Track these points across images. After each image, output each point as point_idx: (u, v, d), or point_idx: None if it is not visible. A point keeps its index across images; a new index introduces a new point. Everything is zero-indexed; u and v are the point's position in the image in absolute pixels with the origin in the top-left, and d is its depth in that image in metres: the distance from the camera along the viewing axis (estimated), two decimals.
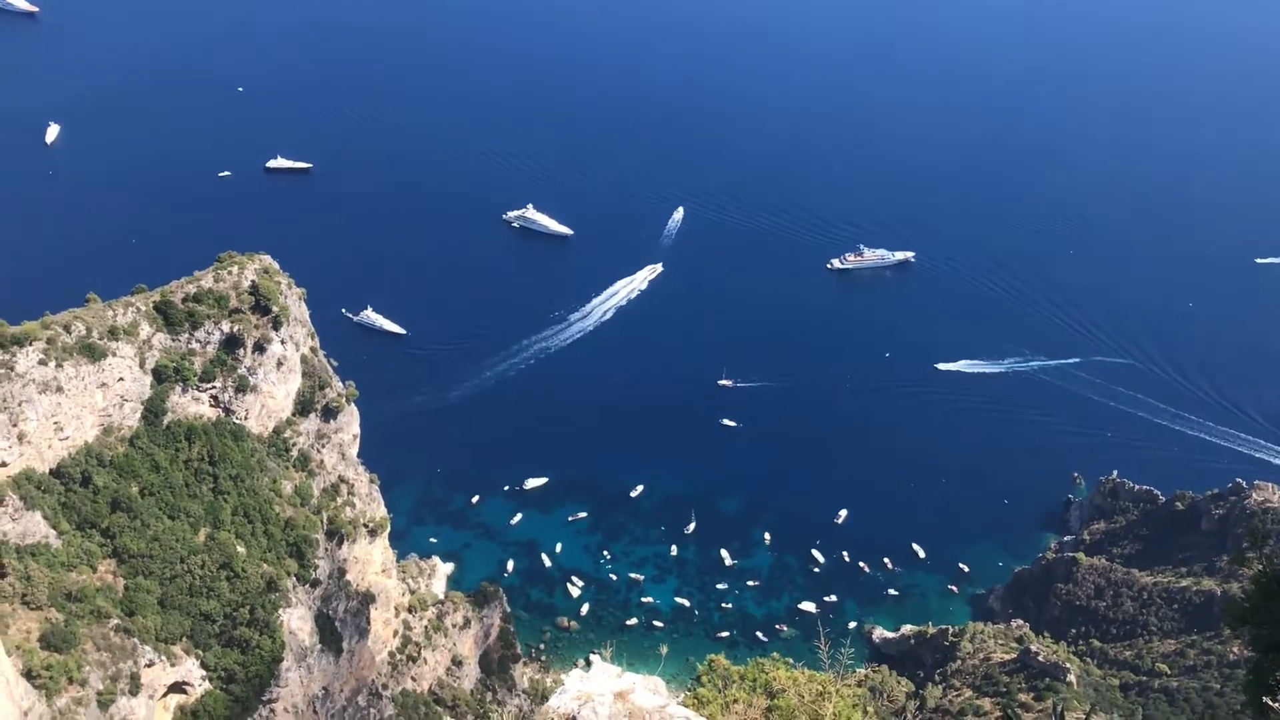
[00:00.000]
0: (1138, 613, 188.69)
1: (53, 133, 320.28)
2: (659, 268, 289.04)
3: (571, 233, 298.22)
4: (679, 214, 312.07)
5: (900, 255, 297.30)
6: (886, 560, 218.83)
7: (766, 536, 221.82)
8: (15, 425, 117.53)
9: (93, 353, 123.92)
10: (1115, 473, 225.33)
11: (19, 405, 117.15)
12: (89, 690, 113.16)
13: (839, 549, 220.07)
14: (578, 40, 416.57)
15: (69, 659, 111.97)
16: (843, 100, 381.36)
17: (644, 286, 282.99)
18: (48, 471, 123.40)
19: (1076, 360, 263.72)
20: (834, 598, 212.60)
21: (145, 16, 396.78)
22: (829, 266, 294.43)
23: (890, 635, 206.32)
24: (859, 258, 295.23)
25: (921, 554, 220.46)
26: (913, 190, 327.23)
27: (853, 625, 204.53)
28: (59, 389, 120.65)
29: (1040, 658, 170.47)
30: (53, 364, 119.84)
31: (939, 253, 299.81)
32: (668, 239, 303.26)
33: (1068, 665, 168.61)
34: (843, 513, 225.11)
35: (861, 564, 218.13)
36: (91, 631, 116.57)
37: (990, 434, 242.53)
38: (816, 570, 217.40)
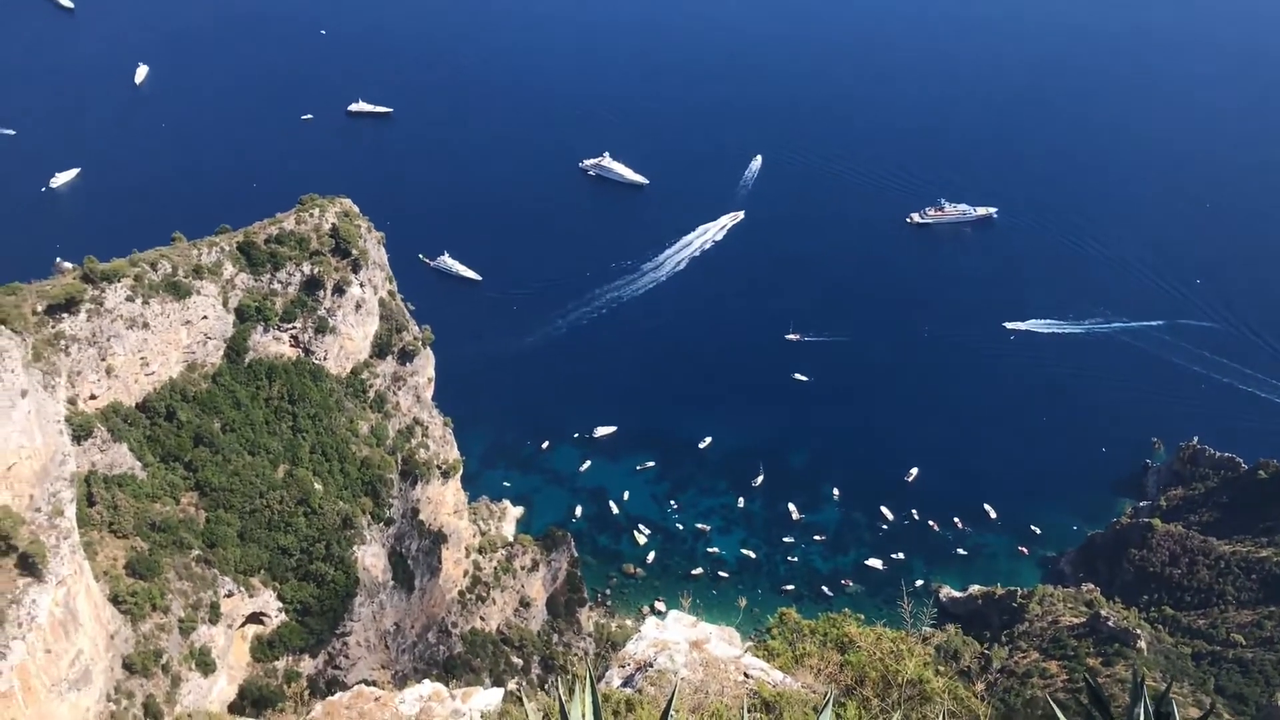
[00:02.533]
0: (1214, 581, 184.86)
1: (142, 73, 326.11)
2: (740, 215, 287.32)
3: (647, 182, 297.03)
4: (757, 162, 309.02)
5: (982, 210, 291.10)
6: (956, 519, 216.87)
7: (835, 492, 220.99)
8: (104, 359, 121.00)
9: (178, 290, 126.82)
10: (1196, 439, 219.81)
11: (107, 340, 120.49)
12: (171, 617, 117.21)
13: (908, 507, 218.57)
14: None
15: (153, 586, 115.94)
16: (930, 52, 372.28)
17: (719, 237, 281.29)
18: (134, 405, 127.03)
19: (1160, 323, 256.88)
20: (901, 555, 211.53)
21: None
22: (908, 220, 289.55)
23: (958, 595, 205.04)
24: (939, 212, 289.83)
25: (992, 514, 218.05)
26: (1001, 144, 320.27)
27: (920, 583, 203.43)
28: (145, 325, 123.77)
29: (1110, 623, 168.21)
30: (140, 301, 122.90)
31: (1024, 209, 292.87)
32: (744, 188, 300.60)
33: (1138, 631, 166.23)
34: (913, 471, 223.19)
35: (931, 523, 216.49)
36: (174, 561, 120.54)
37: (1068, 396, 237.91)
38: (885, 527, 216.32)
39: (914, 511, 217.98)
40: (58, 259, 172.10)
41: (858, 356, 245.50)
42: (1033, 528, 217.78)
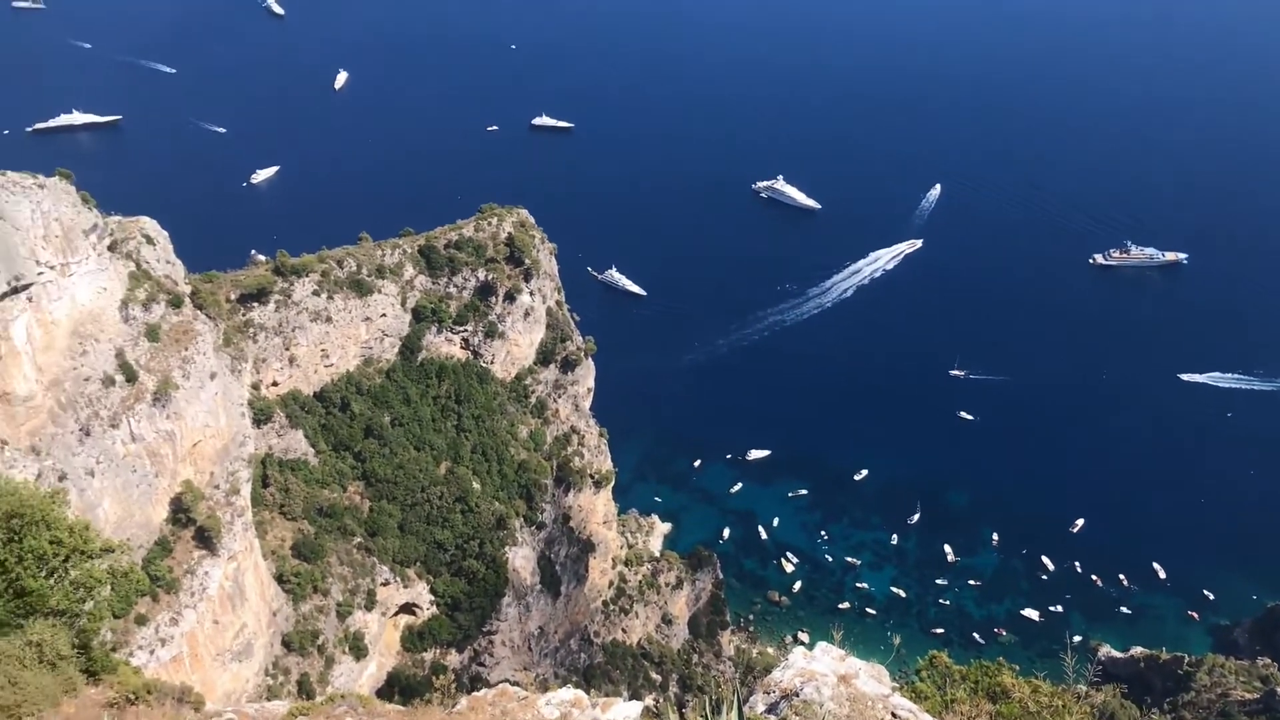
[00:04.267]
0: None
1: (341, 79, 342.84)
2: (918, 243, 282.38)
3: (819, 207, 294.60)
4: (935, 190, 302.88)
5: (1170, 256, 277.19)
6: (1121, 576, 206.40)
7: (994, 537, 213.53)
8: (288, 349, 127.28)
9: (360, 288, 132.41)
10: None
11: (292, 331, 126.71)
12: (330, 600, 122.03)
13: (1071, 558, 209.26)
14: (839, 15, 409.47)
15: (315, 569, 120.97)
16: (1132, 88, 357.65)
17: (890, 265, 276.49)
18: (312, 394, 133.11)
19: None
20: (1060, 608, 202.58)
21: None
22: (1091, 261, 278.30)
23: (1118, 655, 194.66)
24: (1124, 255, 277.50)
25: (1161, 574, 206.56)
26: (1198, 188, 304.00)
27: (1078, 639, 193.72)
28: (328, 319, 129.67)
29: None
30: (325, 295, 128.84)
31: (1216, 258, 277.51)
32: (920, 217, 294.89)
33: None
34: (1079, 521, 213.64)
35: (1094, 577, 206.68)
36: (337, 546, 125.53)
37: (1251, 455, 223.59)
38: (1044, 577, 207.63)
39: (1076, 564, 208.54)
40: (252, 251, 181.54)
41: (1027, 398, 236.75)
42: (1205, 592, 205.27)
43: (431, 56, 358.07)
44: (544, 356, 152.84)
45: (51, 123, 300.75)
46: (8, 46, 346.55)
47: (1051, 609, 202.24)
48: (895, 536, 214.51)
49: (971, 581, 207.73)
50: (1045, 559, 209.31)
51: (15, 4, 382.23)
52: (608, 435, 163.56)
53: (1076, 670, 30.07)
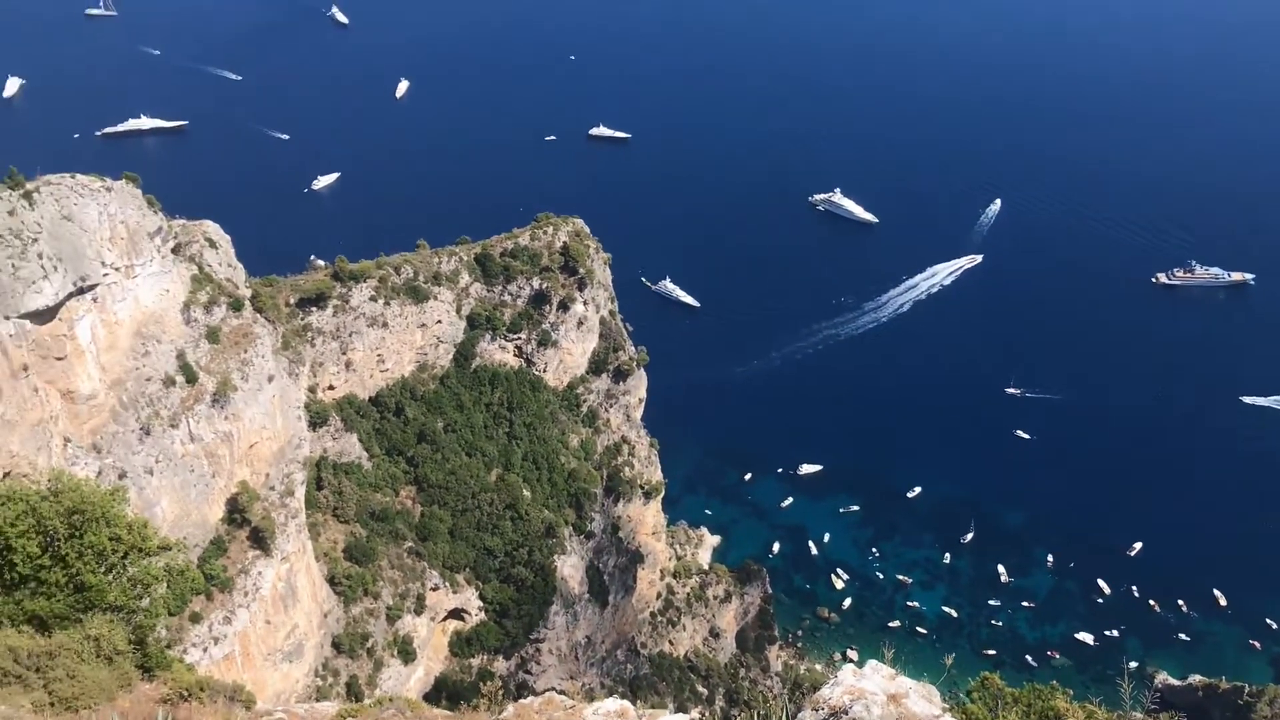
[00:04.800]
0: None
1: (403, 88, 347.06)
2: (978, 258, 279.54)
3: (877, 220, 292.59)
4: (996, 205, 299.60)
5: (1237, 276, 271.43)
6: (1181, 602, 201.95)
7: (1049, 558, 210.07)
8: (344, 353, 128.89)
9: (417, 295, 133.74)
10: None
11: (349, 335, 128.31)
12: (380, 604, 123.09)
13: (1128, 582, 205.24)
14: (898, 26, 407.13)
15: (366, 572, 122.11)
16: (1193, 108, 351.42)
17: (948, 280, 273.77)
18: (367, 399, 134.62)
19: None
20: (1116, 633, 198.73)
21: None
22: (1153, 280, 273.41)
23: (1175, 683, 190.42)
24: (1188, 274, 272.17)
25: (1222, 601, 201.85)
26: (1264, 207, 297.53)
27: (1134, 665, 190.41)
28: (385, 325, 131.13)
29: None
30: (382, 301, 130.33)
31: None
32: (980, 232, 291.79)
33: None
34: (1137, 544, 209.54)
35: (1152, 602, 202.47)
36: (388, 550, 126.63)
37: None
38: (1100, 601, 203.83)
39: (1134, 588, 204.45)
40: (312, 256, 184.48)
41: (1085, 418, 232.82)
42: (1268, 621, 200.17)
43: (492, 66, 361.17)
44: (596, 366, 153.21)
45: (120, 127, 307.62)
46: (81, 53, 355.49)
47: (1107, 633, 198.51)
48: (948, 555, 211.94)
49: (1025, 603, 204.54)
50: (1101, 582, 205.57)
51: (89, 11, 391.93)
52: (658, 446, 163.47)
53: (1133, 697, 29.44)
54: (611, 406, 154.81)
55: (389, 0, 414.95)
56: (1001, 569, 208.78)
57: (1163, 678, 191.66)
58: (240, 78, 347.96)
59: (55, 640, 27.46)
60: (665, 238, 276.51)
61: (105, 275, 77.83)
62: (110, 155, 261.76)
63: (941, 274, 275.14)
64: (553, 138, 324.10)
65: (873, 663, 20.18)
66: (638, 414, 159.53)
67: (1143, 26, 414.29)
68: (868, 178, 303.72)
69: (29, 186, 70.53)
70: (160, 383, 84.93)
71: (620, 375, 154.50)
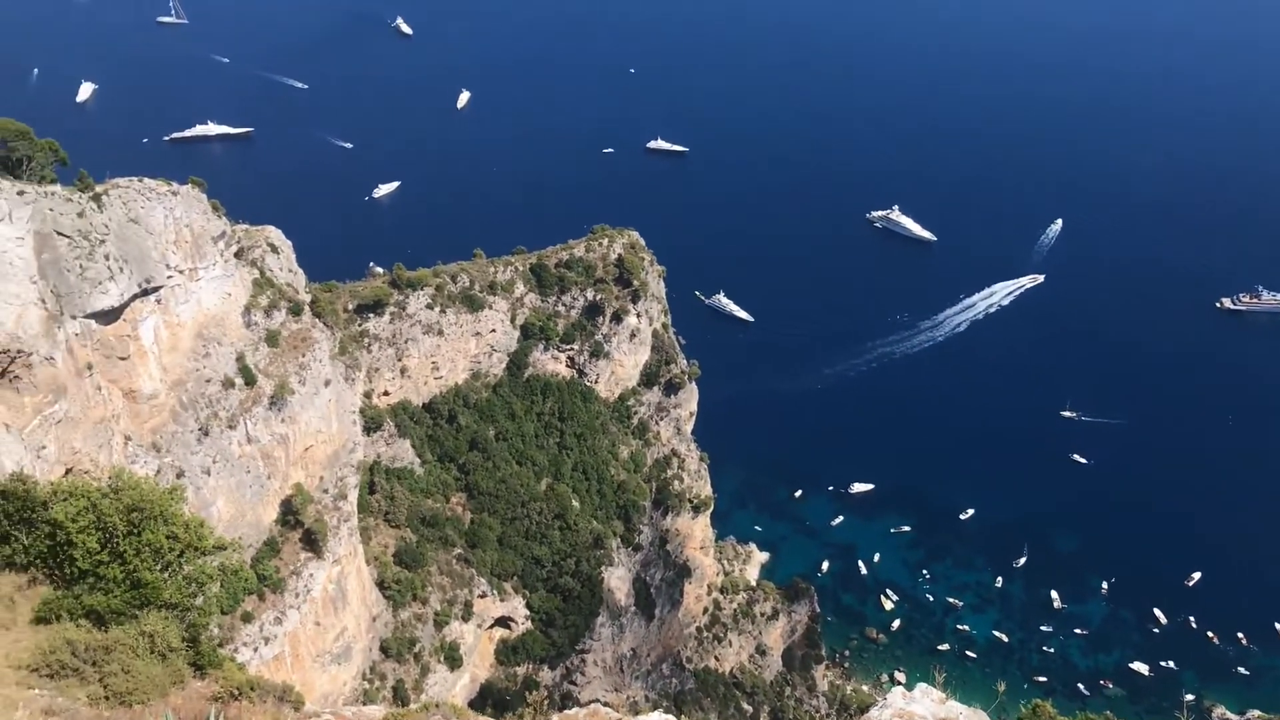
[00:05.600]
0: None
1: (464, 98, 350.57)
2: (1040, 278, 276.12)
3: (935, 239, 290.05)
4: (1057, 226, 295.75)
5: None
6: (1241, 635, 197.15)
7: (1104, 585, 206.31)
8: (400, 360, 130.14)
9: (472, 303, 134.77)
10: None
11: (405, 342, 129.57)
12: (428, 609, 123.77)
13: (1186, 612, 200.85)
14: (961, 45, 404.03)
15: (416, 577, 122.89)
16: (1260, 130, 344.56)
17: (1005, 301, 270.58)
18: (420, 405, 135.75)
19: None
20: (1172, 664, 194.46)
21: None
22: (1217, 305, 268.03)
23: (1233, 718, 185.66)
24: (1254, 300, 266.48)
25: None
26: None
27: (1190, 698, 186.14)
28: (440, 332, 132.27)
29: None
30: (438, 309, 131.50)
31: None
32: (1040, 252, 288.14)
33: None
34: (1195, 575, 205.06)
35: (1210, 633, 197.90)
36: (438, 556, 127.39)
37: None
38: (1156, 631, 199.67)
39: (1192, 619, 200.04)
40: (371, 263, 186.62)
41: (1145, 444, 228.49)
42: None
43: (551, 78, 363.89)
44: (648, 378, 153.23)
45: (188, 132, 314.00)
46: (152, 59, 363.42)
47: (1163, 664, 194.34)
48: (1000, 579, 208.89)
49: (1078, 630, 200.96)
50: (1158, 611, 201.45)
51: (160, 19, 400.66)
52: (708, 460, 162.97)
53: None
54: (662, 419, 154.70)
55: (452, 12, 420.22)
56: (1054, 594, 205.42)
57: (1220, 712, 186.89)
58: (306, 86, 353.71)
59: (111, 635, 27.93)
60: (720, 252, 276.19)
61: (169, 277, 79.23)
62: (177, 160, 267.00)
63: (1000, 293, 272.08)
64: (610, 150, 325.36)
65: (923, 686, 19.90)
66: (688, 427, 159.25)
67: (1217, 48, 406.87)
68: (927, 195, 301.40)
69: (98, 189, 72.03)
70: (220, 384, 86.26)
71: (672, 388, 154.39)
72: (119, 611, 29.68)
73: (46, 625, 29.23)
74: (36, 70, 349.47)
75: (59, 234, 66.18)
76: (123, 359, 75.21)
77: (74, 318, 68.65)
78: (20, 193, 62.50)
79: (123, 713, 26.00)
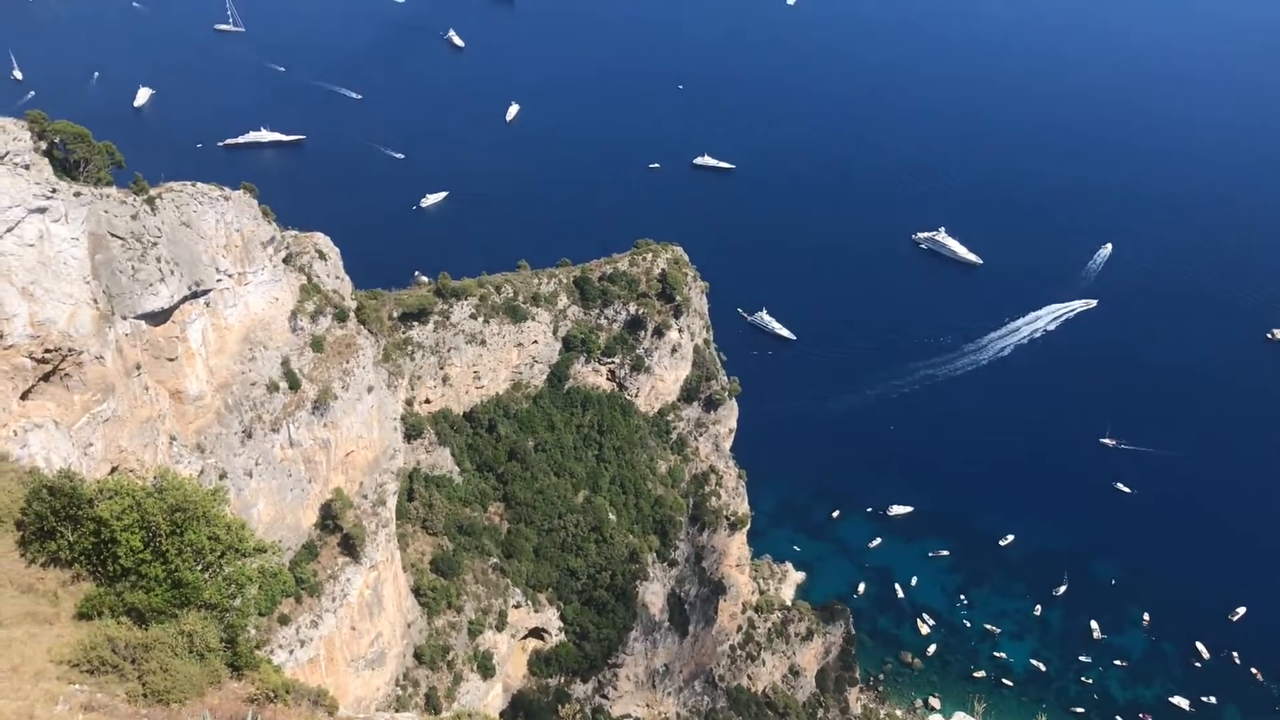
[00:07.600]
0: None
1: (513, 111, 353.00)
2: (1093, 303, 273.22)
3: (981, 262, 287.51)
4: (1106, 250, 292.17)
5: None
6: None
7: (1145, 617, 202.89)
8: (442, 368, 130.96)
9: (515, 314, 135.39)
10: None
11: (448, 351, 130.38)
12: (463, 618, 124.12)
13: (1229, 647, 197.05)
14: (1009, 68, 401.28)
15: (451, 585, 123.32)
16: None
17: (1051, 326, 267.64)
18: (461, 414, 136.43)
19: None
20: (1214, 699, 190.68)
21: (610, 10, 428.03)
22: (1267, 337, 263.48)
23: None
24: None
25: None
26: None
27: None
28: (483, 342, 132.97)
29: None
30: (481, 319, 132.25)
31: None
32: (1088, 277, 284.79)
33: None
34: (1240, 609, 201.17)
35: (1254, 670, 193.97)
36: (474, 565, 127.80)
37: None
38: (1198, 665, 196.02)
39: (1235, 654, 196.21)
40: (416, 272, 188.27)
41: (1191, 474, 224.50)
42: None
43: (600, 93, 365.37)
44: (688, 394, 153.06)
45: (241, 139, 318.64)
46: (209, 66, 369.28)
47: (1204, 699, 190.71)
48: (1039, 607, 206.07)
49: (1117, 661, 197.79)
50: (1200, 645, 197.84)
51: (217, 27, 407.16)
52: (746, 477, 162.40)
53: None
54: (701, 435, 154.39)
55: (503, 25, 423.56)
56: (1094, 624, 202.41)
57: None
58: (360, 96, 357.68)
59: (151, 633, 28.30)
60: (764, 269, 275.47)
61: (219, 281, 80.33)
62: (230, 165, 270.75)
63: (1044, 319, 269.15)
64: (656, 165, 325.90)
65: (961, 715, 19.66)
66: (727, 444, 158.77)
67: (1271, 76, 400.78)
68: (974, 218, 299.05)
69: (152, 192, 73.27)
70: (264, 388, 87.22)
71: (711, 404, 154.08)
72: (159, 610, 30.06)
73: (88, 621, 29.68)
74: (96, 74, 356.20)
75: (113, 235, 67.36)
76: (170, 360, 76.28)
77: (124, 318, 69.74)
78: (77, 194, 63.66)
79: (160, 711, 26.32)
